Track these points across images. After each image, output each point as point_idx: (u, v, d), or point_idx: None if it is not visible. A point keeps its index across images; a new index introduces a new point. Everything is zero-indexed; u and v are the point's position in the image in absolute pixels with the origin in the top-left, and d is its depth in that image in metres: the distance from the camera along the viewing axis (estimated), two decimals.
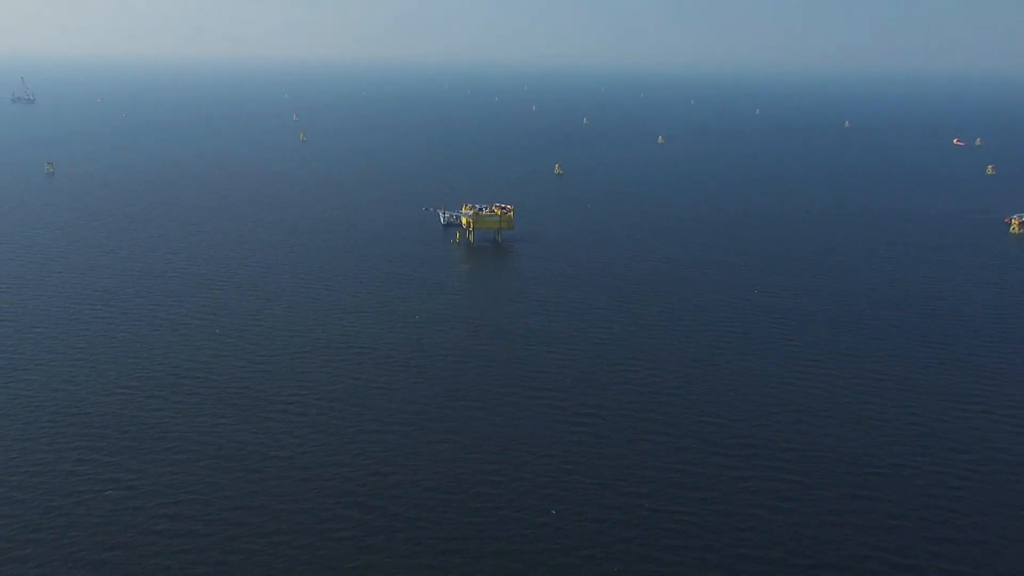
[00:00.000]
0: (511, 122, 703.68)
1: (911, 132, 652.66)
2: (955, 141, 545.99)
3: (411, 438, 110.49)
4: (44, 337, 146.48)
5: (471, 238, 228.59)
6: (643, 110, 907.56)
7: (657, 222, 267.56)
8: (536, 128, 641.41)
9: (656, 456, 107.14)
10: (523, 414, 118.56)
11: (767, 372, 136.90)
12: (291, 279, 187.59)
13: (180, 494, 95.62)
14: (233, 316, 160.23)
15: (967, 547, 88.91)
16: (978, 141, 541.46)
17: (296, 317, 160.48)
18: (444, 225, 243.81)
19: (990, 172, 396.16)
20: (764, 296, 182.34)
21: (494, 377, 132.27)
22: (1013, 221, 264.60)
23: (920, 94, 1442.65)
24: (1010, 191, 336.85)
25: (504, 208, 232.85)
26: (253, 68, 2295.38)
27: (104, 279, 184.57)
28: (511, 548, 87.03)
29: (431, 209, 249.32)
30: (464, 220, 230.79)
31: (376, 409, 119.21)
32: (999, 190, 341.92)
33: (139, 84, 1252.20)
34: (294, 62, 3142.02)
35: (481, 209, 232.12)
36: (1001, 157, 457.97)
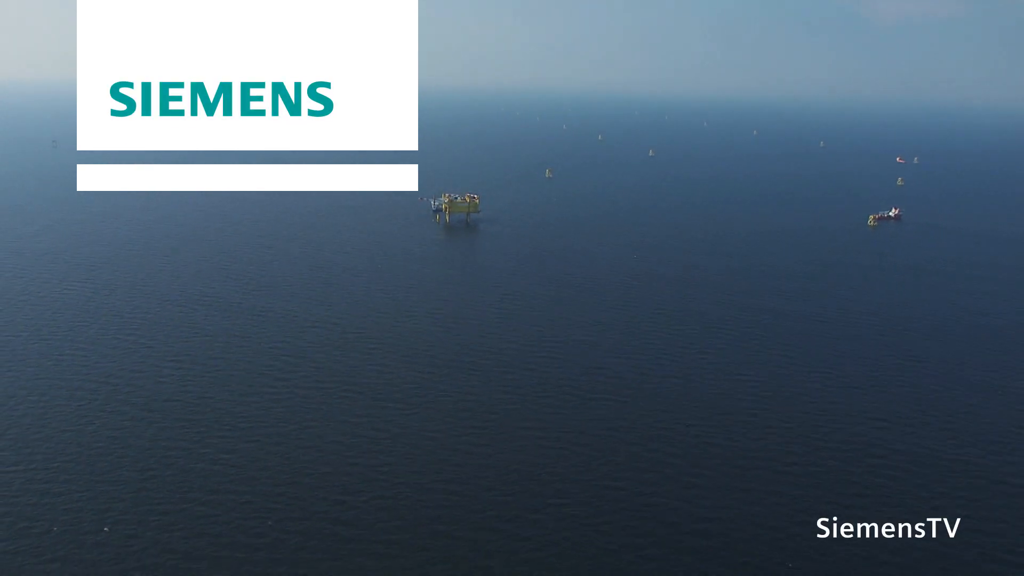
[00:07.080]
0: (539, 137, 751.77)
1: (871, 151, 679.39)
2: (897, 159, 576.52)
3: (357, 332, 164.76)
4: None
5: (447, 218, 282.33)
6: (654, 129, 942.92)
7: (603, 211, 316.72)
8: (554, 142, 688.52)
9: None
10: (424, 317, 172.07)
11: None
12: (310, 238, 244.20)
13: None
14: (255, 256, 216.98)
15: None
16: (915, 159, 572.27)
17: (312, 254, 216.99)
18: (433, 211, 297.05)
19: (900, 184, 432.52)
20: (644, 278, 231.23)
21: (432, 289, 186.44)
22: (871, 217, 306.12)
23: (908, 119, 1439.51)
24: (902, 197, 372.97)
25: (472, 196, 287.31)
26: None
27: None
28: None
29: (424, 199, 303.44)
30: (443, 205, 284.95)
31: (335, 309, 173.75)
32: (894, 198, 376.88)
33: None
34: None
35: (455, 197, 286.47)
36: (920, 171, 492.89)
